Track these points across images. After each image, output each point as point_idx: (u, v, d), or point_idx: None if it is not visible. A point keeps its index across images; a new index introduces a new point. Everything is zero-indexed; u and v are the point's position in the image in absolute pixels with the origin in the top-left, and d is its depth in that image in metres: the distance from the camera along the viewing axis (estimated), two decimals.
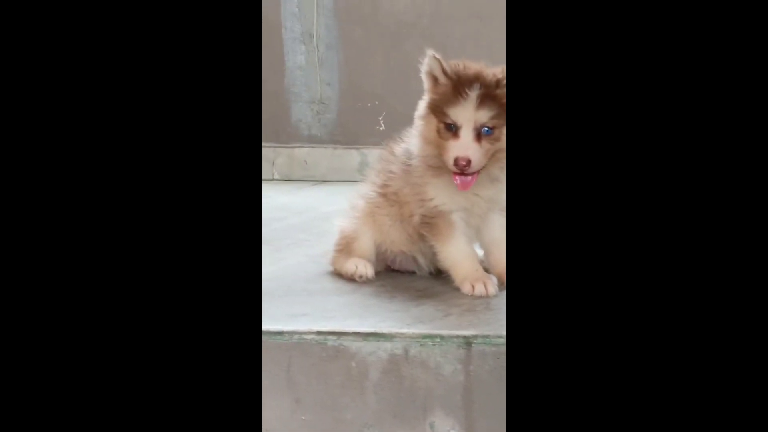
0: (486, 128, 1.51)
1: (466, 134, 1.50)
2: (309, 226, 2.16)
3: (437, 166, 1.57)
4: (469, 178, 1.52)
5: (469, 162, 1.49)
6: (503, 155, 1.54)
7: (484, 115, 1.50)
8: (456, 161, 1.49)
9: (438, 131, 1.55)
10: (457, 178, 1.52)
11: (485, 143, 1.51)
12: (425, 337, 1.36)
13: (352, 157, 3.12)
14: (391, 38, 3.20)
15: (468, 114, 1.50)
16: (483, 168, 1.54)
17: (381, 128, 3.16)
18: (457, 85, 1.52)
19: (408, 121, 1.67)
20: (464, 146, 1.50)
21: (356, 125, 3.21)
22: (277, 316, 1.43)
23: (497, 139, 1.52)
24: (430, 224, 1.61)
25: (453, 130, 1.52)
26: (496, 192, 1.61)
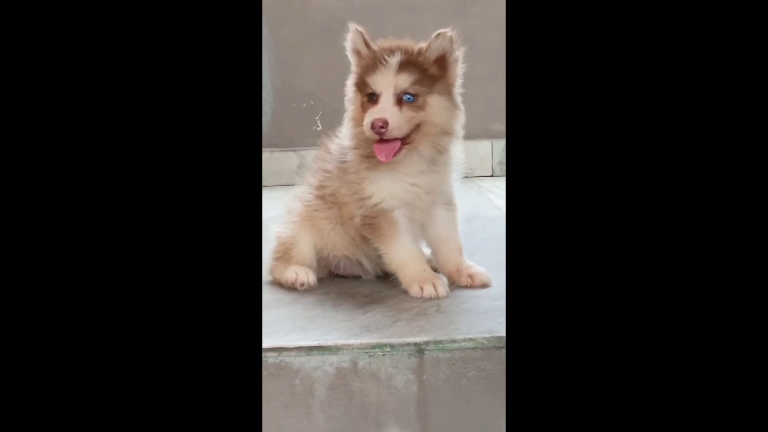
0: (408, 95, 1.43)
1: (386, 99, 1.42)
2: None
3: (370, 155, 1.48)
4: (390, 145, 1.43)
5: (385, 123, 1.40)
6: (434, 130, 1.46)
7: (405, 80, 1.42)
8: (372, 124, 1.40)
9: (362, 105, 1.47)
10: (378, 147, 1.43)
11: (407, 110, 1.43)
12: (374, 347, 1.26)
13: (290, 159, 3.01)
14: (323, 35, 3.10)
15: (388, 80, 1.43)
16: (412, 145, 1.46)
17: (318, 128, 3.06)
18: (378, 54, 1.45)
19: None
20: (381, 109, 1.42)
21: (292, 127, 3.10)
22: None
23: (421, 108, 1.44)
24: (371, 225, 1.51)
25: (374, 99, 1.44)
26: (437, 180, 1.52)
